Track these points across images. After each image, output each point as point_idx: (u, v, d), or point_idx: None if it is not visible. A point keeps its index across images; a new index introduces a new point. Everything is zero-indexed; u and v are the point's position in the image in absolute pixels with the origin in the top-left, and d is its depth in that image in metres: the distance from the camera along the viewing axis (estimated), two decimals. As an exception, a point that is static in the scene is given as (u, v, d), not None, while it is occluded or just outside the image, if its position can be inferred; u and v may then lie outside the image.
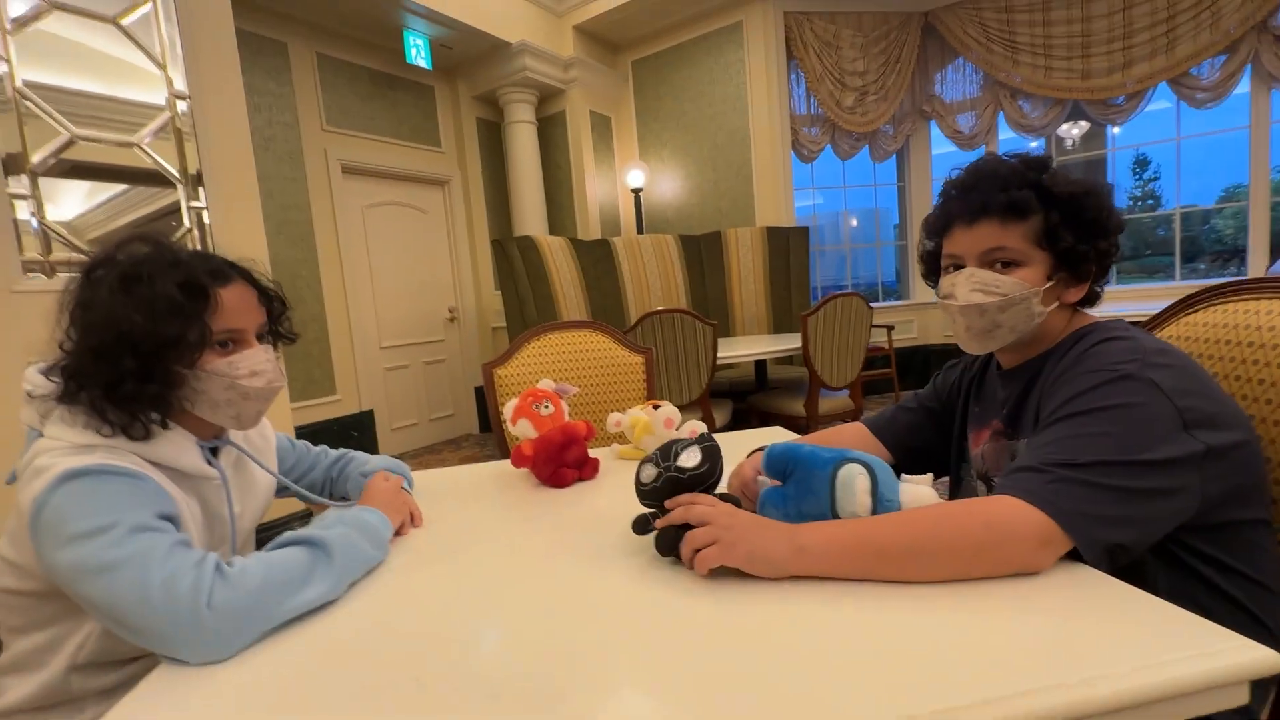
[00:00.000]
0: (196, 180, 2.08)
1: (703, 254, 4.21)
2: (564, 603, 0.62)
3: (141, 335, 0.64)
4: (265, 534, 0.91)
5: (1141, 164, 4.55)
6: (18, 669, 0.70)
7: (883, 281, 5.07)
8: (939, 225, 0.81)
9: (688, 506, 0.66)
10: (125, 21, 1.94)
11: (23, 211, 1.73)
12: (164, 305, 0.65)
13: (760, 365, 3.30)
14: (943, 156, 4.74)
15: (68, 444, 0.63)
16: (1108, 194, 0.75)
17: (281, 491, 0.94)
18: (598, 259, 3.89)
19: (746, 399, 3.13)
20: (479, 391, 4.59)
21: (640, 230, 4.78)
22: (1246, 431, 0.65)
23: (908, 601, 0.55)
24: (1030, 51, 4.14)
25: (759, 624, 0.54)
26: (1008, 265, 0.74)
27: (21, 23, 1.73)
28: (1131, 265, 4.74)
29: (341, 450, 1.04)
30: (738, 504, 0.70)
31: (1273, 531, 0.68)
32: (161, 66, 2.01)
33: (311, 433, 3.43)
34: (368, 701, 0.48)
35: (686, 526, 0.65)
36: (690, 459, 0.71)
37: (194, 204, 2.08)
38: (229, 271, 0.73)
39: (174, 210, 2.05)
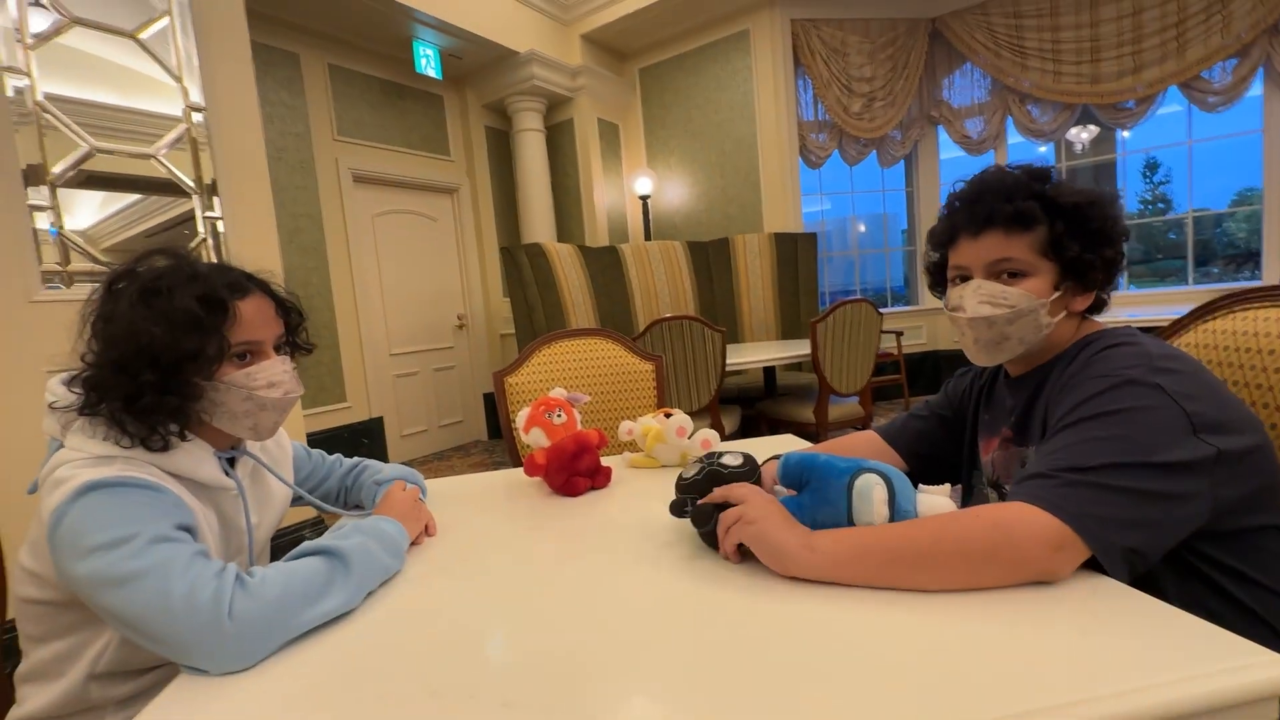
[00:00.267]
0: (211, 190, 2.11)
1: (711, 260, 4.22)
2: (577, 611, 0.62)
3: (161, 348, 0.65)
4: (279, 541, 0.92)
5: (1152, 167, 4.52)
6: (37, 678, 0.70)
7: (891, 287, 5.05)
8: (944, 237, 0.81)
9: (729, 486, 0.71)
10: (143, 36, 1.97)
11: (42, 222, 1.76)
12: (183, 318, 0.66)
13: (769, 372, 3.29)
14: (951, 161, 4.73)
15: (87, 455, 0.64)
16: (1111, 202, 0.75)
17: (298, 501, 0.94)
18: (606, 266, 3.90)
19: (755, 405, 3.12)
20: (488, 398, 4.61)
21: (648, 237, 4.79)
22: (1259, 435, 0.64)
23: (923, 612, 0.55)
24: (1039, 56, 4.13)
25: (772, 634, 0.54)
26: (1014, 276, 0.74)
27: (43, 38, 1.76)
28: (1144, 269, 4.70)
29: (356, 459, 1.05)
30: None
31: None
32: (178, 79, 2.04)
33: (322, 440, 3.45)
34: (383, 712, 0.48)
35: (721, 509, 0.69)
36: (733, 460, 0.78)
37: (209, 213, 2.11)
38: (247, 284, 0.74)
39: (189, 219, 2.08)
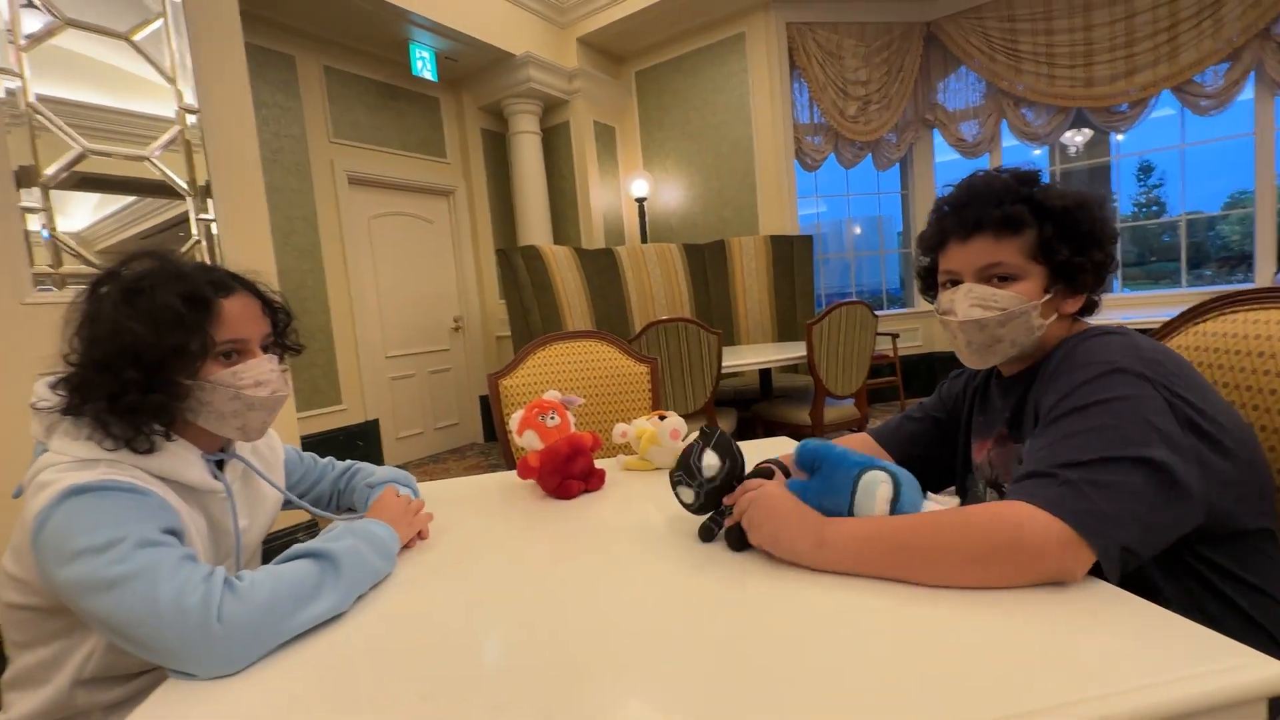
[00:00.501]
0: (205, 192, 2.11)
1: (707, 263, 4.22)
2: (570, 614, 0.62)
3: (144, 346, 0.65)
4: (271, 545, 0.91)
5: (1146, 170, 4.55)
6: (23, 684, 0.70)
7: (887, 289, 5.06)
8: (934, 242, 0.81)
9: (737, 500, 0.72)
10: (137, 37, 1.97)
11: (34, 224, 1.75)
12: (166, 316, 0.66)
13: (765, 374, 3.30)
14: (946, 165, 4.75)
15: (71, 458, 0.63)
16: (1099, 205, 0.75)
17: (289, 504, 0.94)
18: (602, 268, 3.90)
19: (751, 408, 3.12)
20: (484, 401, 4.60)
21: (644, 239, 4.79)
22: (1246, 433, 0.65)
23: (915, 615, 0.55)
24: (1033, 60, 4.15)
25: (767, 635, 0.54)
26: (1004, 280, 0.74)
27: (35, 39, 1.76)
28: (1137, 272, 4.72)
29: (349, 462, 1.04)
30: (775, 471, 0.77)
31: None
32: (172, 80, 2.04)
33: (317, 442, 3.44)
34: (374, 716, 0.48)
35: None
36: (710, 467, 0.75)
37: (203, 215, 2.10)
38: (231, 283, 0.74)
39: (183, 222, 2.07)
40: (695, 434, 0.79)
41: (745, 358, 2.92)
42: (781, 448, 1.16)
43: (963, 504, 0.93)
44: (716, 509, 0.76)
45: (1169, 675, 0.43)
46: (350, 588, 0.64)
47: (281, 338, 0.81)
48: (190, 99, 2.07)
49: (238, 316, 0.72)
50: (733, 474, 0.76)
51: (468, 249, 4.54)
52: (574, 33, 4.45)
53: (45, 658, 0.69)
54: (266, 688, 0.53)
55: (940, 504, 0.67)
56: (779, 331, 4.10)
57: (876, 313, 2.87)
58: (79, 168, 1.83)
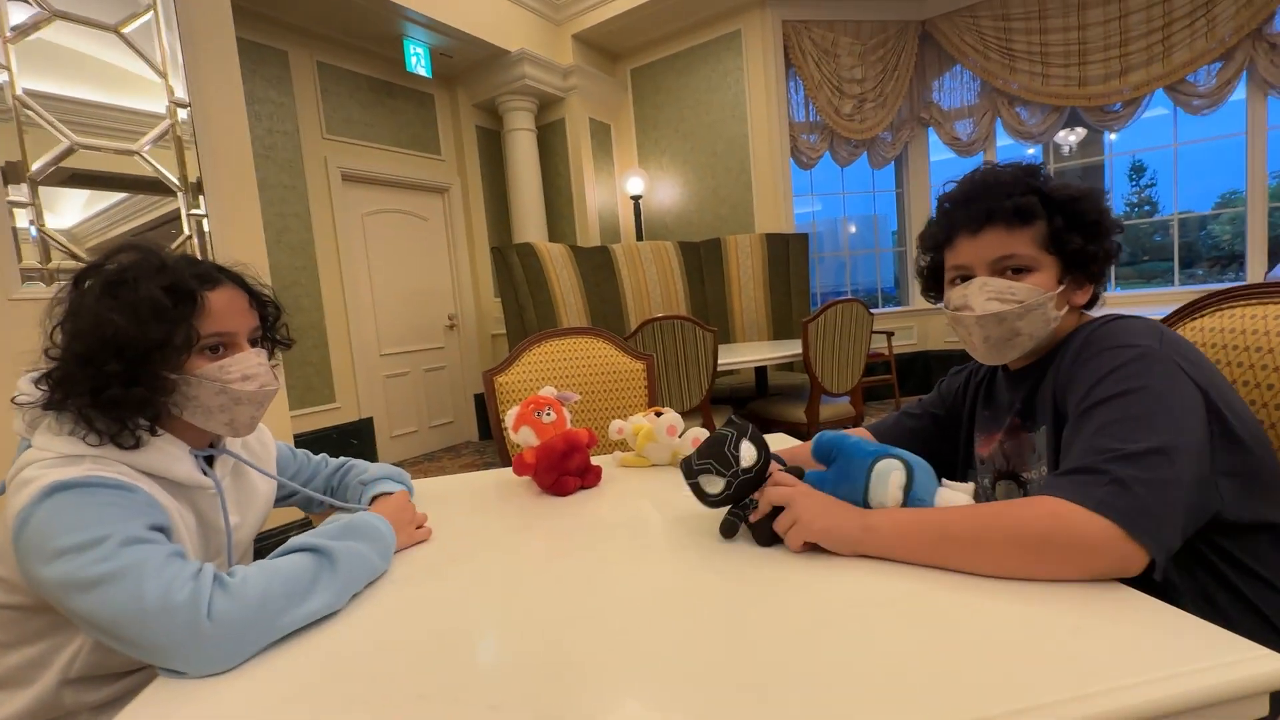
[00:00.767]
0: (197, 188, 2.08)
1: (702, 261, 4.22)
2: (566, 611, 0.61)
3: (126, 339, 0.63)
4: (264, 543, 0.90)
5: (1138, 170, 4.57)
6: (8, 684, 0.68)
7: (882, 288, 5.08)
8: (940, 238, 0.80)
9: (767, 493, 0.71)
10: (126, 30, 1.94)
11: (22, 220, 1.72)
12: (148, 308, 0.64)
13: (761, 371, 3.30)
14: (941, 163, 4.76)
15: (55, 454, 0.62)
16: (1100, 196, 0.76)
17: (281, 502, 0.93)
18: (597, 266, 3.89)
19: (747, 405, 3.12)
20: (479, 398, 4.58)
21: (640, 237, 4.79)
22: (1255, 423, 0.66)
23: (915, 612, 0.54)
24: (1027, 59, 4.16)
25: (765, 632, 0.53)
26: (1018, 272, 0.74)
27: (22, 31, 1.73)
28: (1130, 271, 4.75)
29: (343, 459, 1.03)
30: (801, 473, 0.75)
31: None
32: (162, 75, 2.01)
33: (311, 440, 3.42)
34: (368, 715, 0.47)
35: (772, 513, 0.70)
36: (748, 457, 0.74)
37: (194, 211, 2.08)
38: (217, 275, 0.72)
39: (174, 218, 2.05)
40: (724, 424, 0.79)
41: (741, 355, 2.91)
42: (777, 445, 1.15)
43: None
44: (738, 503, 0.74)
45: (1170, 670, 0.43)
46: (346, 585, 0.63)
47: (271, 332, 0.80)
48: (181, 94, 2.05)
49: (224, 309, 0.71)
50: (765, 467, 0.75)
51: (462, 246, 4.52)
52: (569, 30, 4.44)
53: (31, 657, 0.68)
54: (259, 685, 0.52)
55: (953, 489, 0.67)
56: (774, 329, 4.10)
57: (872, 311, 2.87)
58: (68, 163, 1.81)
